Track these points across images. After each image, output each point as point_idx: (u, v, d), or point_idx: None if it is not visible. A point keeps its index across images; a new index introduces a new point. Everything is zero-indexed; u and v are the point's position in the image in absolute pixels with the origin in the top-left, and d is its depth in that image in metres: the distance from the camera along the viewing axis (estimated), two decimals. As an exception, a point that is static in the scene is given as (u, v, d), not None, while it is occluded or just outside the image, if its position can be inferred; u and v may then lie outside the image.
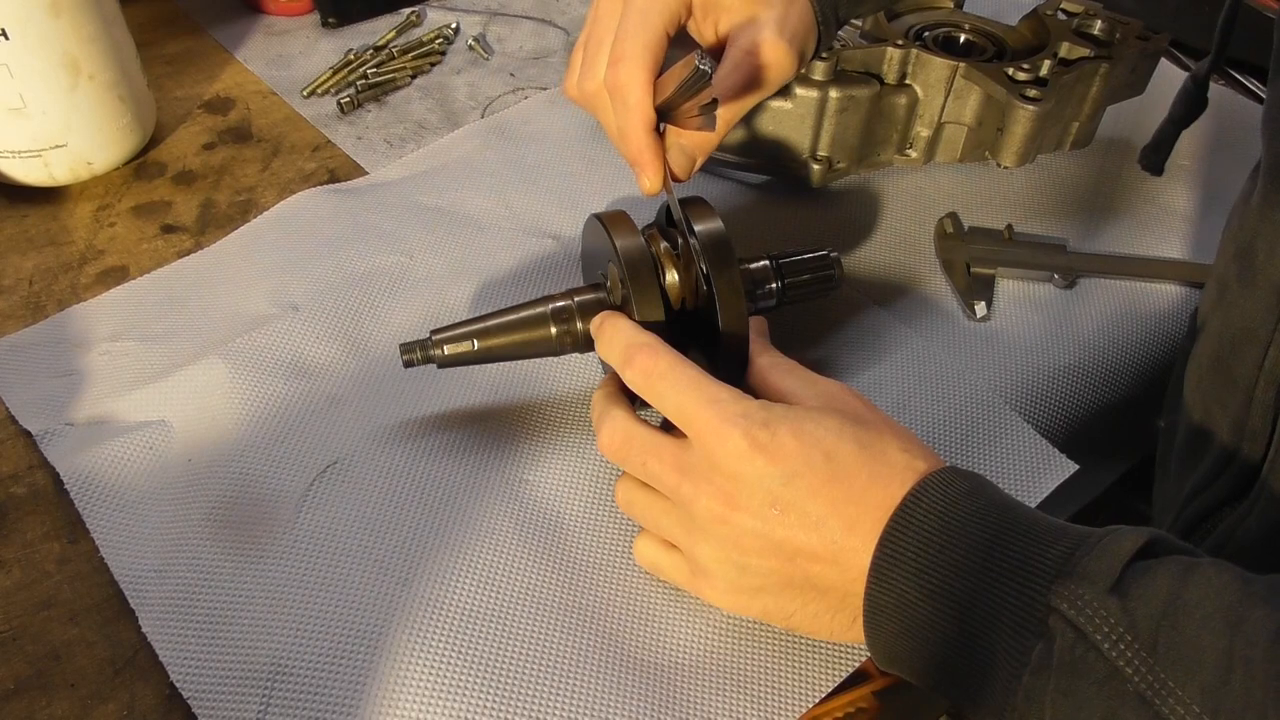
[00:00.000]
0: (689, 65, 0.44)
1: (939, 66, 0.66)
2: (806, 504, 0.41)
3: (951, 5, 0.75)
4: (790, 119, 0.67)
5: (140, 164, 0.72)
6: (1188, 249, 0.71)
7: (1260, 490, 0.48)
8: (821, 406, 0.44)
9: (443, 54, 0.85)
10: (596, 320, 0.50)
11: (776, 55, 0.50)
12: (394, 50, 0.83)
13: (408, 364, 0.51)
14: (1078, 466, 0.55)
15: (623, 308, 0.51)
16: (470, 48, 0.85)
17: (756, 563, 0.42)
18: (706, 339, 0.51)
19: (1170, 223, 0.73)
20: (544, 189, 0.71)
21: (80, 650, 0.46)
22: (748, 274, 0.56)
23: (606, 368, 0.51)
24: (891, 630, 0.40)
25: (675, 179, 0.52)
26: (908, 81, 0.67)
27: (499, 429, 0.56)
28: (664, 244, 0.52)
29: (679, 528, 0.45)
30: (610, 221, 0.51)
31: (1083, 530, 0.38)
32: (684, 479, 0.43)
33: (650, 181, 0.50)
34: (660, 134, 0.50)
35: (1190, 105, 0.68)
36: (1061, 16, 0.71)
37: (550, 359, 0.55)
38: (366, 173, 0.73)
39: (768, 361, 0.49)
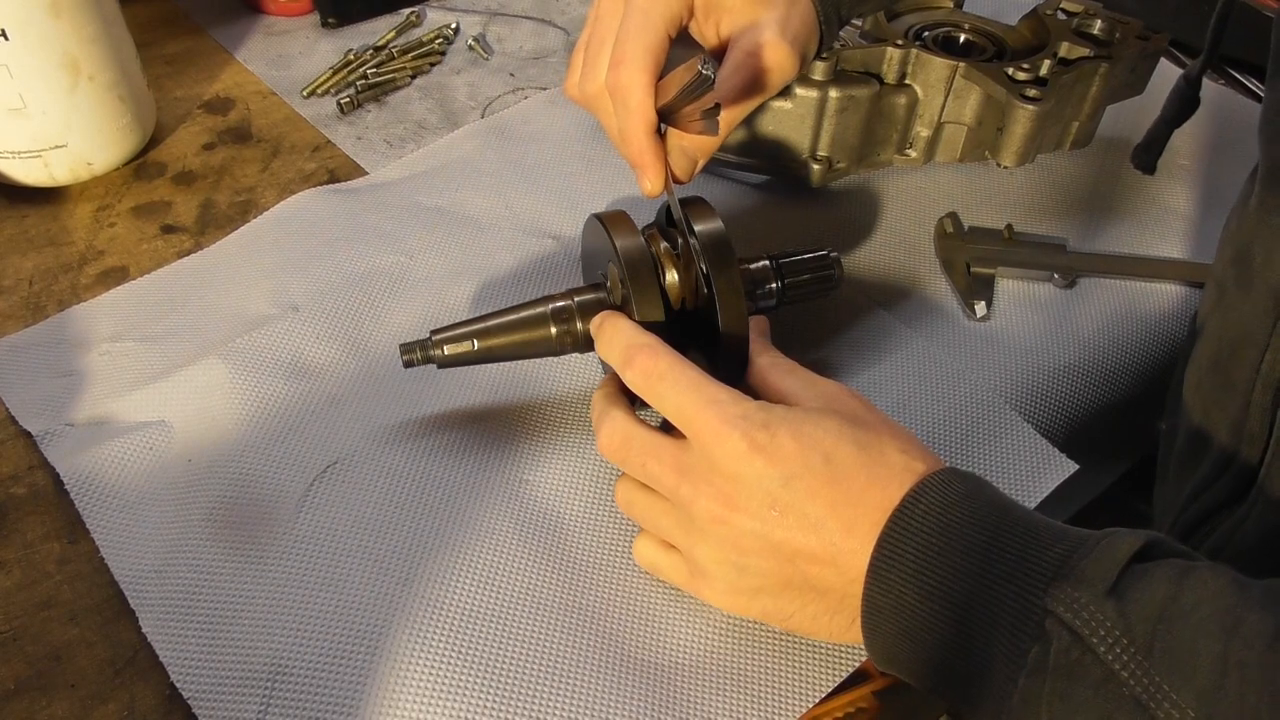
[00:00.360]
0: (691, 69, 0.44)
1: (939, 66, 0.66)
2: (805, 505, 0.41)
3: (951, 5, 0.75)
4: (790, 119, 0.67)
5: (140, 164, 0.72)
6: (1188, 249, 0.71)
7: (1258, 494, 0.48)
8: (821, 408, 0.44)
9: (442, 54, 0.85)
10: (596, 320, 0.50)
11: (778, 57, 0.50)
12: (394, 50, 0.83)
13: (408, 364, 0.51)
14: (1078, 466, 0.55)
15: (623, 308, 0.51)
16: (470, 48, 0.86)
17: (755, 563, 0.42)
18: (706, 339, 0.51)
19: (1170, 222, 0.73)
20: (544, 189, 0.71)
21: (80, 650, 0.46)
22: (748, 274, 0.56)
23: (606, 368, 0.51)
24: (889, 631, 0.40)
25: (676, 180, 0.52)
26: (907, 81, 0.67)
27: (499, 429, 0.56)
28: (664, 244, 0.52)
29: (678, 528, 0.45)
30: (610, 221, 0.51)
31: (1080, 533, 0.38)
32: (683, 480, 0.43)
33: (651, 183, 0.50)
34: (661, 136, 0.50)
35: (1183, 105, 0.68)
36: (1061, 16, 0.71)
37: (550, 359, 0.55)
38: (366, 173, 0.73)
39: (768, 361, 0.48)
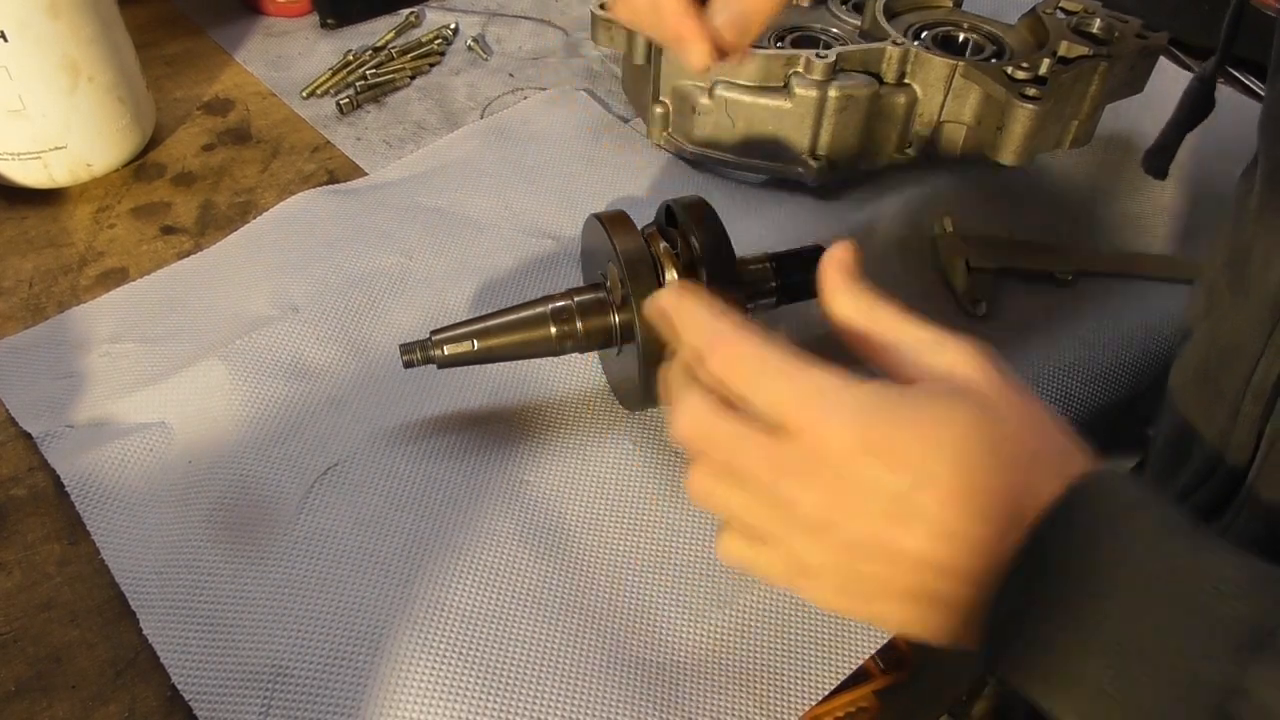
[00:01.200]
0: None
1: (938, 65, 0.66)
2: (930, 515, 0.35)
3: (950, 4, 0.75)
4: (790, 118, 0.67)
5: (140, 165, 0.72)
6: (1187, 248, 0.71)
7: (1242, 504, 0.46)
8: (949, 391, 0.36)
9: (442, 54, 0.85)
10: (664, 300, 0.41)
11: None
12: (393, 51, 0.83)
13: (408, 364, 0.51)
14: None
15: (622, 308, 0.51)
16: (469, 48, 0.85)
17: (871, 571, 0.36)
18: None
19: (1170, 221, 0.73)
20: (544, 189, 0.71)
21: (81, 652, 0.46)
22: (748, 273, 0.56)
23: (647, 350, 0.48)
24: (1026, 669, 0.34)
25: (726, 50, 0.45)
26: (907, 80, 0.67)
27: (499, 430, 0.56)
28: (664, 244, 0.52)
29: (777, 526, 0.38)
30: (610, 221, 0.51)
31: (1265, 573, 0.31)
32: (782, 479, 0.37)
33: (698, 54, 0.44)
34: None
35: (1196, 106, 0.66)
36: (1060, 15, 0.71)
37: (550, 359, 0.55)
38: (366, 173, 0.73)
39: (861, 308, 0.39)
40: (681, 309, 0.41)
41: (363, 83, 0.80)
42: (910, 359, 0.37)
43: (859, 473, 0.35)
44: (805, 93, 0.65)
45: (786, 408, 0.36)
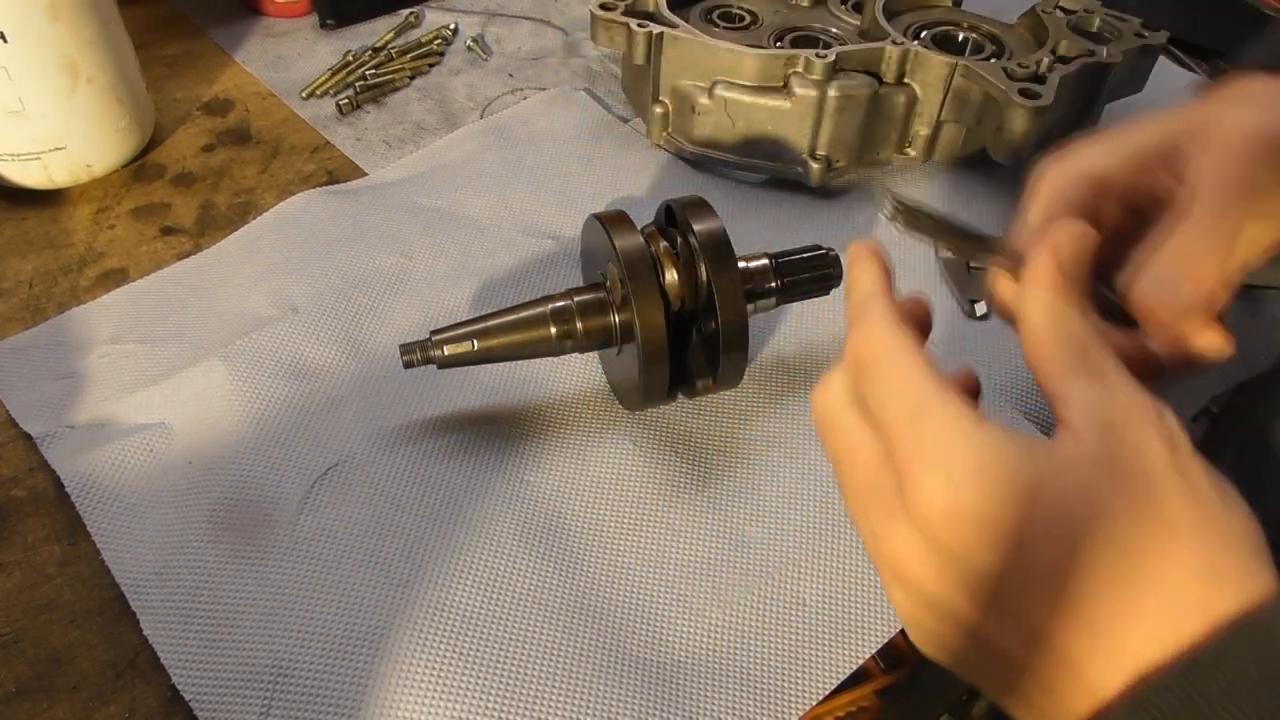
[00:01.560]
0: None
1: (938, 64, 0.66)
2: (1022, 614, 0.29)
3: (950, 3, 0.75)
4: (789, 118, 0.67)
5: (139, 166, 0.72)
6: (1187, 246, 0.71)
7: None
8: (1097, 460, 0.29)
9: (441, 55, 0.85)
10: (854, 251, 0.36)
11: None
12: (392, 51, 0.83)
13: (408, 365, 0.51)
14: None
15: (622, 308, 0.51)
16: (469, 48, 0.86)
17: (946, 635, 0.32)
18: (706, 338, 0.51)
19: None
20: (543, 189, 0.71)
21: (81, 653, 0.46)
22: (747, 273, 0.56)
23: None
24: None
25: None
26: (906, 80, 0.67)
27: (499, 430, 0.56)
28: (663, 243, 0.52)
29: (865, 537, 0.34)
30: (610, 221, 0.51)
31: None
32: (869, 505, 0.32)
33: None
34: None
35: None
36: (1059, 14, 0.71)
37: (550, 359, 0.55)
38: (365, 174, 0.73)
39: (1053, 312, 0.33)
40: (853, 266, 0.36)
41: (362, 83, 0.80)
42: (1069, 395, 0.31)
43: (940, 534, 0.29)
44: (805, 92, 0.65)
45: (888, 425, 0.31)
